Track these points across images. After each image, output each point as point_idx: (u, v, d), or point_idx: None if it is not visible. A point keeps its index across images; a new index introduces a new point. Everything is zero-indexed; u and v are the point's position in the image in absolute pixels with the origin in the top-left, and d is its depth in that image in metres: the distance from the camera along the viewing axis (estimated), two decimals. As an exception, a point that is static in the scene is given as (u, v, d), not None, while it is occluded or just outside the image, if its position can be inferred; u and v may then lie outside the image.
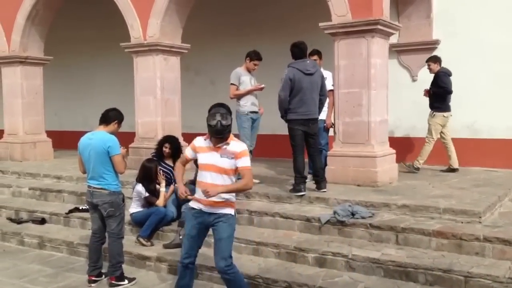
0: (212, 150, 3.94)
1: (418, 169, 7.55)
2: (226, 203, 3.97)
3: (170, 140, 6.40)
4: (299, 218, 5.43)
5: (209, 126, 3.86)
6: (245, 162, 3.91)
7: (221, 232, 3.94)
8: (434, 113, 7.58)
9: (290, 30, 9.14)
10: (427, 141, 7.64)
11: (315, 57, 6.65)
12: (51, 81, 11.13)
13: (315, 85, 5.91)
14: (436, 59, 7.70)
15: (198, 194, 3.99)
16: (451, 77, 7.56)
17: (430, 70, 7.71)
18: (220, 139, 3.90)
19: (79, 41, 12.04)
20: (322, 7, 6.70)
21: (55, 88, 11.98)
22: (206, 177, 3.93)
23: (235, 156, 3.88)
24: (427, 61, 7.81)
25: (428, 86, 7.87)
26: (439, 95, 7.52)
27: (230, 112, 4.01)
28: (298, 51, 5.91)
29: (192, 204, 4.07)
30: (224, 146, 3.90)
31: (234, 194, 4.06)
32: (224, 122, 3.83)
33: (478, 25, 8.08)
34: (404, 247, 4.78)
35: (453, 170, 7.59)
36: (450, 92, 7.50)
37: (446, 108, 7.60)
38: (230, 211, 3.99)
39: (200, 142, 4.03)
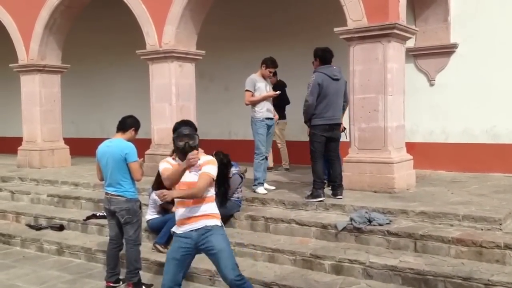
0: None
1: (288, 169, 8.47)
2: (208, 215, 3.74)
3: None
4: (315, 225, 5.39)
5: (176, 148, 3.79)
6: (206, 168, 3.70)
7: (216, 244, 3.68)
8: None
9: (305, 36, 9.14)
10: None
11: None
12: (68, 89, 11.29)
13: (340, 90, 5.99)
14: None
15: (181, 214, 3.76)
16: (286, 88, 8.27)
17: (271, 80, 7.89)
18: (185, 155, 3.67)
19: (95, 48, 12.22)
20: (338, 12, 6.67)
21: (72, 96, 12.14)
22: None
23: (200, 167, 3.70)
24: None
25: (448, 90, 7.80)
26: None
27: (195, 129, 3.86)
28: (329, 56, 5.95)
29: (175, 229, 3.83)
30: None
31: (214, 206, 3.82)
32: (191, 143, 3.70)
33: (496, 28, 7.96)
34: (422, 254, 4.71)
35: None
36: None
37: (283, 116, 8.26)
38: (216, 222, 3.76)
39: (167, 164, 3.81)
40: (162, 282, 3.77)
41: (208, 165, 3.74)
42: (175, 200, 3.79)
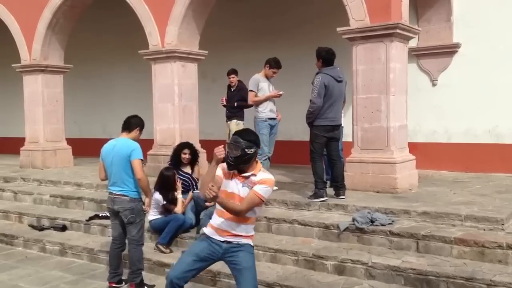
0: (236, 177, 3.49)
1: None
2: (244, 237, 3.52)
3: (188, 145, 6.39)
4: (317, 225, 5.39)
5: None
6: (259, 188, 3.37)
7: (244, 261, 3.46)
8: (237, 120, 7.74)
9: (308, 36, 9.14)
10: None
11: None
12: (70, 89, 11.31)
13: (343, 92, 6.03)
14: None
15: (214, 221, 3.55)
16: None
17: (232, 83, 7.89)
18: (236, 170, 3.46)
19: (98, 49, 12.24)
20: (341, 13, 6.67)
21: (74, 96, 12.16)
22: None
23: (253, 183, 3.41)
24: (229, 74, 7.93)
25: (450, 90, 7.79)
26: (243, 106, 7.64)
27: (254, 143, 3.47)
28: (333, 58, 5.94)
29: (206, 231, 3.60)
30: (252, 177, 3.45)
31: (250, 228, 3.56)
32: (231, 155, 3.40)
33: (499, 28, 7.95)
34: (425, 254, 4.70)
35: None
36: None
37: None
38: (248, 241, 3.54)
39: (226, 167, 3.53)
40: (170, 270, 3.57)
41: (262, 185, 3.39)
42: (216, 207, 3.55)
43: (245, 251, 3.49)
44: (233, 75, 7.88)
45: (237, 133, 3.58)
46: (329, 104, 5.82)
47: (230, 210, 3.39)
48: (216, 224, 3.53)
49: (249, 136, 3.49)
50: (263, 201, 3.43)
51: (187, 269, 3.49)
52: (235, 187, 3.45)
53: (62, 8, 9.74)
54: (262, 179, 3.42)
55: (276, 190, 6.69)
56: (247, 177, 3.45)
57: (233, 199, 3.43)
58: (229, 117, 7.83)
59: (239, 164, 3.42)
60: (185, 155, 6.26)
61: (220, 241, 3.49)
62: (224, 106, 7.90)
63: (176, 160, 6.30)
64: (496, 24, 7.97)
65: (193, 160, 6.32)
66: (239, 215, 3.41)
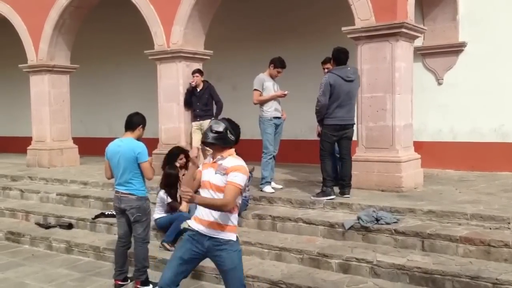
0: (210, 166, 3.49)
1: None
2: (223, 226, 3.41)
3: (183, 151, 6.32)
4: (322, 224, 5.39)
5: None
6: (232, 177, 3.33)
7: (228, 262, 3.42)
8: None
9: (313, 36, 9.15)
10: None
11: (328, 65, 6.56)
12: (76, 89, 11.37)
13: (355, 91, 6.00)
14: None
15: (198, 212, 3.50)
16: None
17: (196, 82, 7.98)
18: (211, 147, 3.48)
19: (104, 49, 12.30)
20: (346, 12, 6.67)
21: (81, 96, 12.22)
22: (205, 196, 3.45)
23: (226, 171, 3.36)
24: (194, 73, 8.03)
25: (456, 89, 7.75)
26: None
27: (235, 126, 3.53)
28: (344, 58, 5.93)
29: (191, 223, 3.53)
30: (220, 162, 3.43)
31: (233, 217, 3.47)
32: (215, 128, 3.42)
33: (505, 27, 7.91)
34: (430, 253, 4.69)
35: None
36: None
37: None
38: (231, 236, 3.44)
39: (206, 159, 3.62)
40: (160, 278, 3.52)
41: (236, 173, 3.34)
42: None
43: (228, 249, 3.41)
44: (197, 74, 8.02)
45: (227, 119, 3.59)
46: (337, 103, 5.82)
47: (214, 207, 3.36)
48: (196, 213, 3.52)
49: (236, 128, 3.53)
50: (241, 189, 3.41)
51: (175, 273, 3.47)
52: (207, 174, 3.46)
53: (68, 9, 9.81)
54: (234, 166, 3.37)
55: (281, 188, 6.73)
56: (218, 163, 3.44)
57: (205, 187, 3.45)
58: (202, 117, 7.92)
59: (216, 141, 3.42)
60: (181, 160, 6.24)
61: (204, 235, 3.42)
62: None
63: (171, 165, 6.20)
64: (502, 23, 7.94)
65: (187, 162, 6.32)
66: (224, 210, 3.35)
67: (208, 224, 3.42)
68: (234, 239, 3.47)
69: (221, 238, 3.41)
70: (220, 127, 3.44)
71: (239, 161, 3.45)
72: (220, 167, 3.41)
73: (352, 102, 5.97)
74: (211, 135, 3.43)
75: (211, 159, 3.53)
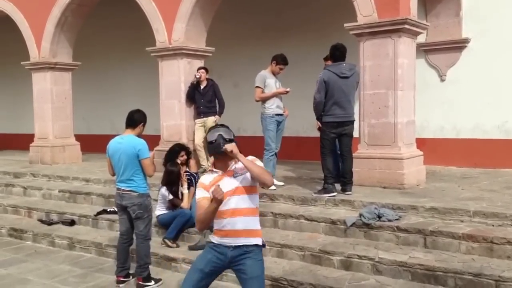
0: (223, 176, 3.29)
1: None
2: (250, 232, 3.26)
3: (184, 148, 6.33)
4: (324, 221, 5.38)
5: (209, 143, 3.32)
6: (255, 161, 3.30)
7: (251, 271, 3.22)
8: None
9: (315, 33, 9.11)
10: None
11: (329, 62, 6.53)
12: (78, 86, 11.38)
13: (351, 87, 5.93)
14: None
15: (223, 225, 3.26)
16: None
17: (201, 77, 7.93)
18: (224, 157, 3.27)
19: (105, 46, 12.30)
20: (348, 9, 6.64)
21: (83, 93, 12.23)
22: (230, 205, 3.22)
23: (242, 170, 3.27)
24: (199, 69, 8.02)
25: (459, 86, 7.71)
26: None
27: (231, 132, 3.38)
28: (339, 54, 5.90)
29: (212, 238, 3.35)
30: (233, 166, 3.31)
31: (257, 219, 3.35)
32: (226, 136, 3.25)
33: (509, 23, 7.86)
34: (432, 250, 4.68)
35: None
36: None
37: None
38: (257, 241, 3.28)
39: (207, 178, 3.30)
40: None
41: (256, 161, 3.29)
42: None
43: (252, 258, 3.23)
44: (202, 70, 8.01)
45: (224, 125, 3.44)
46: (333, 100, 5.79)
47: (259, 174, 3.19)
48: (217, 227, 3.28)
49: (232, 134, 3.37)
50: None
51: (195, 286, 3.28)
52: (228, 185, 3.22)
53: (71, 7, 9.80)
54: (246, 159, 3.27)
55: (282, 185, 6.72)
56: (232, 169, 3.30)
57: (233, 195, 3.23)
58: (206, 113, 7.89)
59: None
60: (182, 157, 6.22)
61: (228, 247, 3.24)
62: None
63: (172, 162, 6.14)
64: (505, 19, 7.89)
65: (188, 159, 6.32)
66: (268, 178, 3.26)
67: (234, 233, 3.23)
68: (260, 243, 3.30)
69: (246, 245, 3.24)
70: (231, 134, 3.31)
71: (249, 156, 3.37)
72: (237, 169, 3.29)
73: (349, 99, 5.90)
74: (226, 143, 3.24)
75: (214, 174, 3.32)
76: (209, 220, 3.23)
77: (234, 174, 3.28)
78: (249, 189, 3.28)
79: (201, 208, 3.21)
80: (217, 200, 3.09)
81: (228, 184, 3.24)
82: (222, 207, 3.19)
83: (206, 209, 3.17)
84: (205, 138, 3.50)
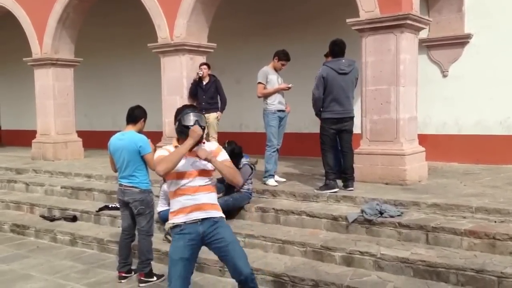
0: (187, 155, 3.43)
1: None
2: (214, 206, 3.52)
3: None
4: (325, 217, 5.38)
5: (181, 129, 3.47)
6: (225, 156, 3.55)
7: (227, 236, 3.43)
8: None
9: (317, 29, 9.09)
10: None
11: (329, 58, 6.49)
12: (81, 82, 11.39)
13: (350, 83, 5.91)
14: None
15: (177, 204, 3.46)
16: None
17: (203, 73, 7.88)
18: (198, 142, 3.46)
19: (107, 42, 12.29)
20: (350, 4, 6.61)
21: (84, 89, 12.24)
22: (194, 183, 3.45)
23: (212, 154, 3.46)
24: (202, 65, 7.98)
25: (461, 82, 7.68)
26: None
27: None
28: (338, 50, 5.89)
29: (177, 219, 3.43)
30: (201, 147, 3.50)
31: (216, 196, 3.65)
32: (202, 124, 3.47)
33: (511, 19, 7.81)
34: (434, 246, 4.67)
35: None
36: None
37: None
38: (221, 214, 3.54)
39: (164, 151, 3.47)
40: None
41: (222, 153, 3.56)
42: (173, 189, 3.48)
43: (223, 226, 3.49)
44: (204, 66, 7.97)
45: (187, 107, 3.67)
46: (332, 96, 5.78)
47: (227, 174, 3.48)
48: (181, 205, 3.43)
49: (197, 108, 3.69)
50: None
51: (185, 277, 3.41)
52: (190, 164, 3.46)
53: (72, 3, 9.80)
54: (217, 147, 3.60)
55: (284, 182, 6.71)
56: (195, 150, 3.44)
57: (193, 176, 3.45)
58: (208, 110, 7.82)
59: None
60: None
61: (192, 222, 3.39)
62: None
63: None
64: (508, 14, 7.85)
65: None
66: (239, 181, 3.63)
67: (201, 207, 3.43)
68: (223, 216, 3.58)
69: (215, 217, 3.48)
70: (204, 122, 3.58)
71: (216, 143, 3.83)
72: (200, 154, 3.47)
73: (348, 95, 5.87)
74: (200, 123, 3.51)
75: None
76: (176, 162, 3.34)
77: (200, 158, 3.44)
78: (208, 172, 3.53)
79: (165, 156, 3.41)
80: (194, 136, 3.37)
81: (188, 163, 3.46)
82: (187, 184, 3.42)
83: (178, 149, 3.40)
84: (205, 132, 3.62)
